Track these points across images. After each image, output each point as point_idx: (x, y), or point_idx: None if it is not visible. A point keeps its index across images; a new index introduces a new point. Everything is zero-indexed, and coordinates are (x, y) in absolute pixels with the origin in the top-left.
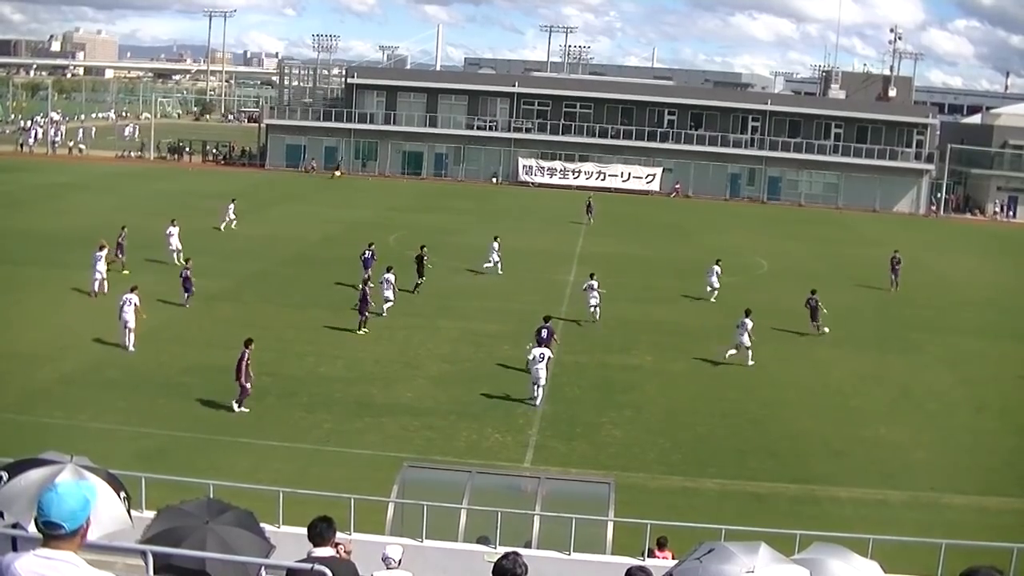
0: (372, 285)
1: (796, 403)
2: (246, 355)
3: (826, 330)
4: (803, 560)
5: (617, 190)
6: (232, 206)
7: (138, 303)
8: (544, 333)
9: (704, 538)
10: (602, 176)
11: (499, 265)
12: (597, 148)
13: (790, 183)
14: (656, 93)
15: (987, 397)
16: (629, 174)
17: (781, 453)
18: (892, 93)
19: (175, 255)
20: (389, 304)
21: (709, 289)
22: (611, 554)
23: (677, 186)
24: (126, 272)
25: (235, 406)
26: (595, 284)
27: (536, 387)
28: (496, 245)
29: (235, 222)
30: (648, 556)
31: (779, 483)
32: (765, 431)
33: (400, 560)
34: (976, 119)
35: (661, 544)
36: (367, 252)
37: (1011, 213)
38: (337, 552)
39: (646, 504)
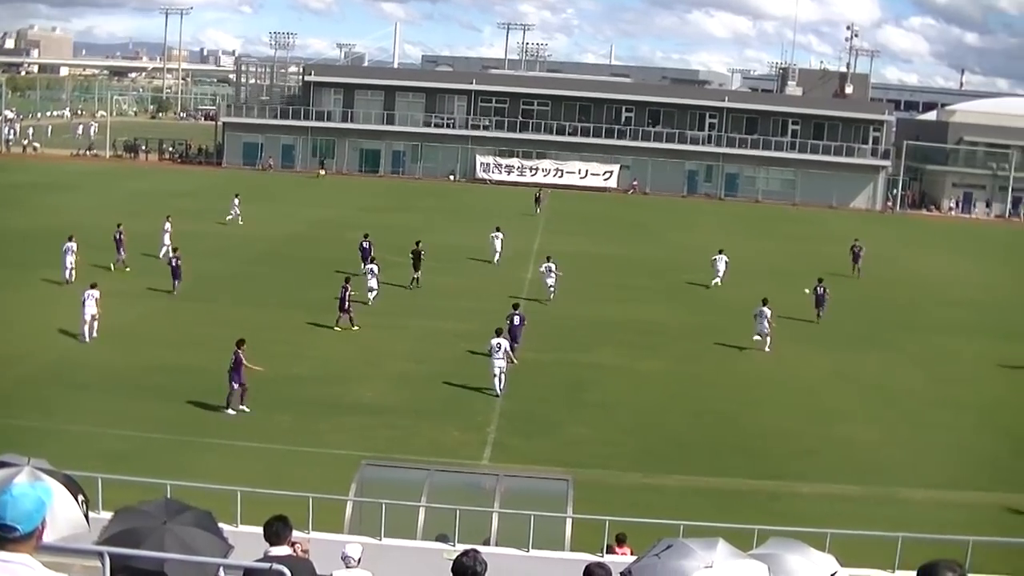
0: (351, 286)
1: (766, 401)
2: (240, 356)
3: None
4: (760, 555)
5: (575, 187)
6: (237, 200)
7: (98, 297)
8: (516, 320)
9: (663, 534)
10: (560, 173)
11: (499, 255)
12: (555, 145)
13: (747, 179)
14: (614, 90)
15: (958, 394)
16: (587, 171)
17: (747, 451)
18: (848, 90)
19: (166, 250)
20: (374, 293)
21: (716, 280)
22: (570, 551)
23: (635, 183)
24: (128, 269)
25: (240, 408)
26: (553, 266)
27: (496, 377)
28: (499, 235)
29: (239, 217)
30: (607, 552)
31: (743, 479)
32: (732, 429)
33: (360, 559)
34: (932, 116)
35: (620, 540)
36: (364, 242)
37: (967, 209)
38: (294, 551)
39: (607, 501)
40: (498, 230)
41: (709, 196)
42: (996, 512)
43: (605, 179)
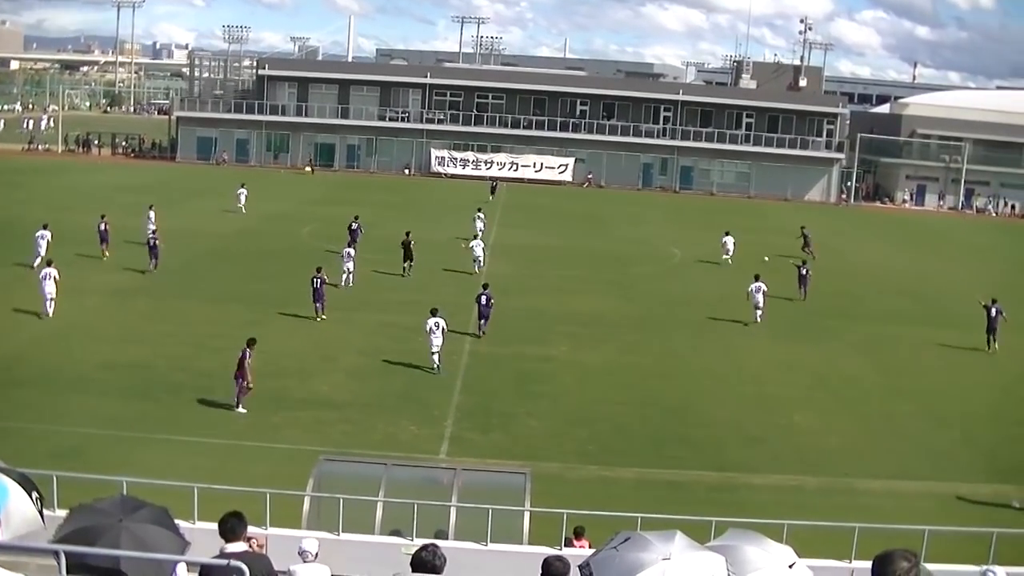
0: (327, 276)
1: (713, 392)
2: (248, 355)
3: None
4: (718, 547)
5: (530, 180)
6: (243, 190)
7: (57, 276)
8: (483, 300)
9: (621, 527)
10: (515, 167)
11: (483, 233)
12: (510, 139)
13: (702, 172)
14: (568, 84)
15: (901, 383)
16: (542, 164)
17: (698, 441)
18: (802, 83)
19: (150, 235)
20: (348, 275)
21: (724, 256)
22: (528, 544)
23: (590, 176)
24: (105, 256)
25: (238, 408)
26: (481, 244)
27: (434, 355)
28: (482, 215)
29: (244, 208)
30: (565, 546)
31: (696, 471)
32: (682, 420)
33: (317, 554)
34: (885, 109)
35: (578, 533)
36: (354, 224)
37: (920, 201)
38: (250, 546)
39: (564, 494)
40: (480, 211)
41: (664, 189)
42: (949, 501)
43: (560, 172)
